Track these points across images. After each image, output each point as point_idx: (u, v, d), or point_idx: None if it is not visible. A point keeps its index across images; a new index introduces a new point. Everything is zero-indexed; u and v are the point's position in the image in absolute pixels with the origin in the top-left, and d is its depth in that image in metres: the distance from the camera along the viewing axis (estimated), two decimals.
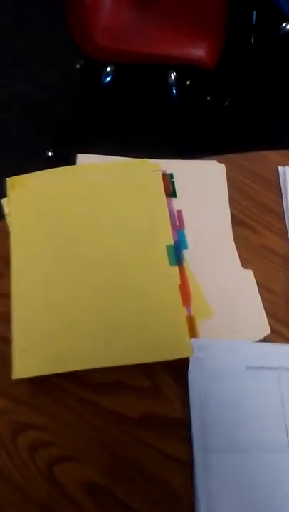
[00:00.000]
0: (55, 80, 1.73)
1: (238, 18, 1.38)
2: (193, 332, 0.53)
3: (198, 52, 1.18)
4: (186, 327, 0.52)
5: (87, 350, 0.51)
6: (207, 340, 0.52)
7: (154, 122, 1.66)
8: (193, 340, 0.52)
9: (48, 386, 0.50)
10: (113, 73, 1.30)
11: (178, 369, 0.51)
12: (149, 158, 0.64)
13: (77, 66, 1.69)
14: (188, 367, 0.51)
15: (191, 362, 0.51)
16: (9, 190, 0.60)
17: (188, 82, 1.72)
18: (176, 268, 0.56)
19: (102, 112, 1.65)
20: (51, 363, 0.50)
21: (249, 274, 0.57)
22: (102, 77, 1.29)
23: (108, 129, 1.63)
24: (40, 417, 0.49)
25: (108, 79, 1.30)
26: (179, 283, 0.55)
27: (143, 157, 0.65)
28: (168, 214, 0.60)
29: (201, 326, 0.53)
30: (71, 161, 0.64)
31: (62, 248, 0.57)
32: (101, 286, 0.54)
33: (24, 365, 0.50)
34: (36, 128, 1.62)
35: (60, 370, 0.50)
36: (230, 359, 0.52)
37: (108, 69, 1.29)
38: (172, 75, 1.30)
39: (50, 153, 1.51)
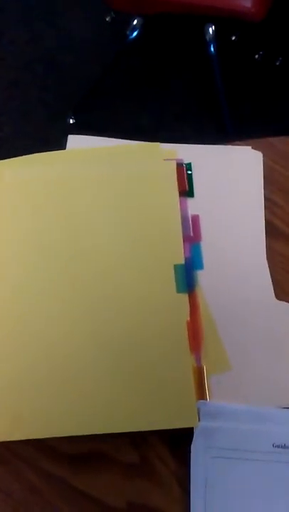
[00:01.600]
0: (81, 36, 1.55)
1: None
2: (201, 390, 0.39)
3: (244, 1, 0.98)
4: (191, 384, 0.38)
5: (56, 411, 0.38)
6: (220, 404, 0.38)
7: (189, 89, 1.46)
8: (200, 402, 0.38)
9: (4, 454, 0.38)
10: (140, 28, 1.11)
11: (177, 440, 0.38)
12: (181, 136, 0.48)
13: (107, 19, 1.50)
14: (191, 439, 0.37)
15: (195, 433, 0.37)
16: None
17: (233, 38, 1.50)
18: (186, 296, 0.42)
19: (129, 74, 1.47)
20: (6, 427, 0.37)
21: (286, 311, 0.42)
22: (128, 33, 1.11)
23: (136, 95, 1.45)
24: None
25: (134, 34, 1.12)
26: (188, 318, 0.41)
27: (174, 133, 0.49)
28: (180, 220, 0.45)
29: (212, 382, 0.39)
30: (93, 128, 0.50)
31: (37, 263, 0.43)
32: (81, 319, 0.41)
33: None
34: (58, 89, 1.46)
35: (16, 437, 0.37)
36: (251, 433, 0.38)
37: (135, 22, 1.10)
38: (210, 29, 1.09)
39: (71, 120, 1.35)
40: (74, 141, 0.50)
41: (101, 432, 0.37)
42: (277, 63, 1.50)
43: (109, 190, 0.46)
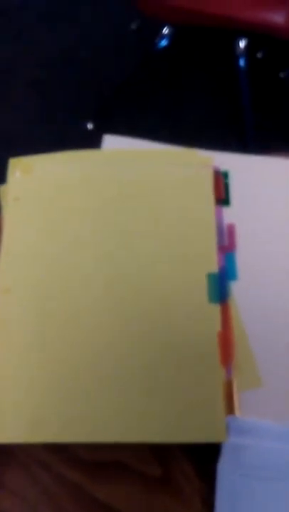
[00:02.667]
0: (106, 40, 1.55)
1: None
2: (230, 405, 0.37)
3: (276, 17, 0.97)
4: (221, 398, 0.37)
5: (77, 416, 0.36)
6: (250, 421, 0.37)
7: (212, 101, 1.45)
8: (229, 417, 0.37)
9: (22, 458, 0.37)
10: (170, 37, 1.11)
11: (202, 455, 0.37)
12: (200, 147, 0.48)
13: (133, 27, 1.50)
14: (217, 455, 0.36)
15: (223, 449, 0.36)
16: (10, 176, 0.46)
17: (259, 56, 1.50)
18: (218, 307, 0.40)
19: (153, 83, 1.46)
20: (28, 429, 0.36)
21: None
22: (157, 41, 1.11)
23: (158, 104, 1.45)
24: (4, 498, 0.36)
25: (163, 43, 1.12)
26: (219, 329, 0.40)
27: (192, 144, 0.48)
28: (215, 229, 0.44)
29: (242, 397, 0.38)
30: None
31: (70, 264, 0.42)
32: (111, 326, 0.39)
33: None
34: (78, 91, 1.45)
35: (38, 440, 0.36)
36: (282, 452, 0.36)
37: (165, 31, 1.10)
38: (241, 43, 1.09)
39: (89, 126, 1.34)
40: (110, 141, 0.49)
41: (123, 441, 0.36)
42: None
43: (144, 194, 0.45)
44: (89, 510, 0.35)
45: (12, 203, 0.44)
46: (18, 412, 0.36)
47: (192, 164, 0.47)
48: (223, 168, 0.47)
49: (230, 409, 0.37)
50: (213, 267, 0.42)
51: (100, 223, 0.43)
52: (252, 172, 0.47)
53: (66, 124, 1.39)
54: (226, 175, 0.47)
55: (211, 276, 0.41)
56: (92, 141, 0.52)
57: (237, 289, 0.42)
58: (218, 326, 0.40)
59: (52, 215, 0.44)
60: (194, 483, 0.36)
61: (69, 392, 0.37)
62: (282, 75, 1.47)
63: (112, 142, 0.49)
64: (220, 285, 0.41)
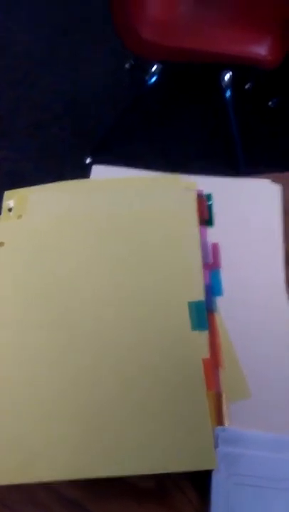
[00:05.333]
0: (101, 80, 1.62)
1: None
2: (219, 417, 0.38)
3: (259, 49, 1.03)
4: (209, 426, 0.37)
5: (66, 454, 0.36)
6: (238, 431, 0.38)
7: (204, 132, 1.51)
8: (218, 428, 0.38)
9: None
10: (159, 74, 1.17)
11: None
12: (193, 173, 0.50)
13: (126, 66, 1.57)
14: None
15: (216, 459, 0.37)
16: (4, 210, 0.48)
17: (247, 87, 1.55)
18: (204, 334, 0.41)
19: (146, 118, 1.52)
20: (18, 470, 0.36)
21: None
22: (147, 78, 1.17)
23: (153, 137, 1.50)
24: None
25: (153, 79, 1.17)
26: (204, 356, 0.40)
27: (186, 173, 0.51)
28: (200, 250, 0.45)
29: (232, 409, 0.39)
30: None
31: (54, 289, 0.43)
32: (97, 358, 0.40)
33: None
34: (76, 130, 1.52)
35: (24, 481, 0.36)
36: (274, 461, 0.37)
37: (154, 68, 1.16)
38: (227, 76, 1.14)
39: (88, 160, 1.39)
40: (98, 170, 0.52)
41: (115, 475, 0.36)
42: None
43: (131, 221, 0.47)
44: None
45: (6, 235, 0.47)
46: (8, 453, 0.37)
47: (176, 189, 0.49)
48: (206, 191, 0.49)
49: (219, 421, 0.38)
50: (199, 292, 0.43)
51: (85, 256, 0.45)
52: (233, 193, 0.50)
53: (66, 160, 1.45)
54: (209, 197, 0.49)
55: (193, 305, 0.42)
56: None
57: (223, 304, 0.43)
58: (203, 353, 0.40)
59: (38, 254, 0.45)
60: (188, 495, 0.37)
61: (55, 432, 0.37)
62: (270, 103, 1.53)
63: (100, 171, 0.52)
64: (208, 309, 0.42)
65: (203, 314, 0.42)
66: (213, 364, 0.40)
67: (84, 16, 1.81)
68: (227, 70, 1.15)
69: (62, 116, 1.56)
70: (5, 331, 0.41)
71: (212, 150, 1.45)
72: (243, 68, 1.08)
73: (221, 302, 0.43)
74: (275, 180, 0.50)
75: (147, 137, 1.50)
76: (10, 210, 0.48)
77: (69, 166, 1.42)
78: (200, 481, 0.37)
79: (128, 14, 0.97)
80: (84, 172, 0.51)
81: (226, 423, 0.38)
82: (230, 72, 1.14)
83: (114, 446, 0.37)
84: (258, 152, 1.43)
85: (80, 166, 1.40)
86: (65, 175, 1.48)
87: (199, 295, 0.43)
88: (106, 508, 0.36)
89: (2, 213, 0.48)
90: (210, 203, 0.49)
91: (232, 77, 1.15)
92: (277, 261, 0.46)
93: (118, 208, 0.47)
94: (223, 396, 0.39)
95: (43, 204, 0.48)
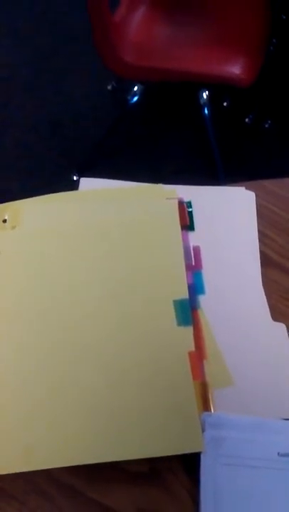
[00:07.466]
0: (85, 101, 1.68)
1: (281, 33, 1.28)
2: (205, 404, 0.41)
3: (233, 69, 1.09)
4: (196, 412, 0.40)
5: (64, 442, 0.40)
6: (223, 415, 0.41)
7: (185, 147, 1.56)
8: (204, 414, 0.41)
9: None
10: (141, 94, 1.23)
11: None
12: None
13: (109, 88, 1.64)
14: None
15: (204, 442, 0.40)
16: None
17: (225, 104, 1.62)
18: (188, 329, 0.44)
19: (130, 135, 1.58)
20: (19, 459, 0.39)
21: (282, 330, 0.46)
22: (129, 98, 1.22)
23: (137, 154, 1.56)
24: (5, 504, 0.39)
25: (135, 99, 1.23)
26: (189, 349, 0.43)
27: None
28: (183, 255, 0.49)
29: (217, 396, 0.42)
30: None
31: (46, 296, 0.46)
32: (86, 353, 0.43)
33: None
34: (62, 150, 1.57)
35: (30, 468, 0.39)
36: (256, 442, 0.40)
37: (135, 88, 1.22)
38: (204, 94, 1.21)
39: (75, 177, 1.44)
40: (86, 183, 0.56)
41: (110, 460, 0.39)
42: (267, 126, 1.61)
43: (117, 227, 0.50)
44: (84, 509, 0.39)
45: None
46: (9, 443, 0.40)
47: (159, 197, 0.53)
48: (186, 199, 0.53)
49: (205, 407, 0.41)
50: (182, 291, 0.46)
51: (77, 262, 0.48)
52: (212, 200, 0.54)
53: (54, 179, 1.49)
54: (189, 204, 0.53)
55: (177, 303, 0.46)
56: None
57: (206, 301, 0.47)
58: (188, 347, 0.43)
59: (32, 262, 0.48)
60: (179, 476, 0.40)
61: (53, 420, 0.40)
62: (247, 120, 1.59)
63: (87, 184, 0.56)
64: (191, 306, 0.46)
65: (188, 311, 0.46)
66: (198, 356, 0.43)
67: (67, 39, 1.87)
68: (204, 88, 1.21)
69: (49, 137, 1.61)
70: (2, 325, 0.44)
71: (194, 164, 1.50)
72: (220, 87, 1.14)
73: (203, 300, 0.47)
74: (248, 188, 0.55)
75: (131, 154, 1.55)
76: (4, 221, 0.51)
77: (56, 185, 1.47)
78: (190, 464, 0.40)
79: (109, 38, 1.02)
80: (72, 189, 0.54)
81: (212, 409, 0.41)
82: (207, 91, 1.21)
83: (110, 434, 0.40)
84: (235, 164, 1.49)
85: (67, 183, 1.45)
86: (54, 192, 1.53)
87: (183, 294, 0.46)
88: (103, 492, 0.39)
89: None
90: (190, 209, 0.53)
91: (209, 96, 1.21)
92: (253, 261, 0.50)
93: (106, 216, 0.51)
94: (208, 385, 0.42)
95: (35, 215, 0.51)
